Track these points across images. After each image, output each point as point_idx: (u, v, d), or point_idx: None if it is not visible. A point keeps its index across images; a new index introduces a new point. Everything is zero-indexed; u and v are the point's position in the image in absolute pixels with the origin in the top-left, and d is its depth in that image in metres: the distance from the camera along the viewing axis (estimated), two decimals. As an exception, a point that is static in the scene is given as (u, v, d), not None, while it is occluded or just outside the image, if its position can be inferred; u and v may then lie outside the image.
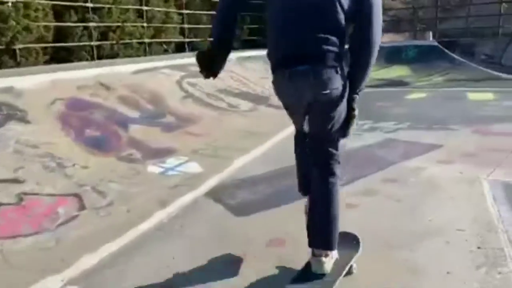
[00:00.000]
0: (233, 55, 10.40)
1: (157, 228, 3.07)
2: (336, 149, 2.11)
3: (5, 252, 2.71)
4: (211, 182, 4.00)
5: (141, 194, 3.68)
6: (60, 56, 7.40)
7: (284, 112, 2.27)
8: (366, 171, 3.97)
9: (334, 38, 1.89)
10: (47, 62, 7.16)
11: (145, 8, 8.84)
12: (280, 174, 4.01)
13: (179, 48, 10.38)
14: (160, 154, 4.74)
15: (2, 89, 4.82)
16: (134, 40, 8.76)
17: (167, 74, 7.23)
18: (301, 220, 2.37)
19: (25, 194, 3.39)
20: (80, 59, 7.57)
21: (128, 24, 8.46)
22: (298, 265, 2.27)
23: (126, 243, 2.84)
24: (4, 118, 4.37)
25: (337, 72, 1.93)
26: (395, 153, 4.53)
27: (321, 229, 2.09)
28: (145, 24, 8.87)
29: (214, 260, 2.55)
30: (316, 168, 2.11)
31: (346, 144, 3.59)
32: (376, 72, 11.02)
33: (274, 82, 2.09)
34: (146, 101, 6.12)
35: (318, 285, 2.03)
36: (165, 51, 10.03)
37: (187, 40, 10.34)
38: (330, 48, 1.89)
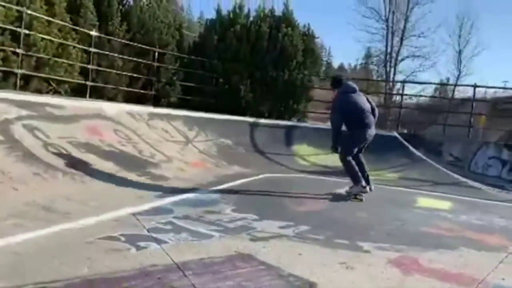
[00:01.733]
0: (143, 110, 8.10)
1: None
2: None
3: None
4: None
5: None
6: None
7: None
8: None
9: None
10: None
11: (23, 31, 6.93)
12: None
13: (79, 91, 8.37)
14: None
15: None
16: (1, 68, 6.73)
17: (-7, 110, 5.07)
18: None
19: None
20: None
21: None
22: None
23: None
24: None
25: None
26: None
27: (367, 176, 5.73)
28: (20, 51, 6.90)
29: None
30: (362, 158, 5.72)
31: None
32: (322, 156, 9.06)
33: (362, 132, 5.56)
34: None
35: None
36: (56, 92, 7.98)
37: (89, 83, 8.36)
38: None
